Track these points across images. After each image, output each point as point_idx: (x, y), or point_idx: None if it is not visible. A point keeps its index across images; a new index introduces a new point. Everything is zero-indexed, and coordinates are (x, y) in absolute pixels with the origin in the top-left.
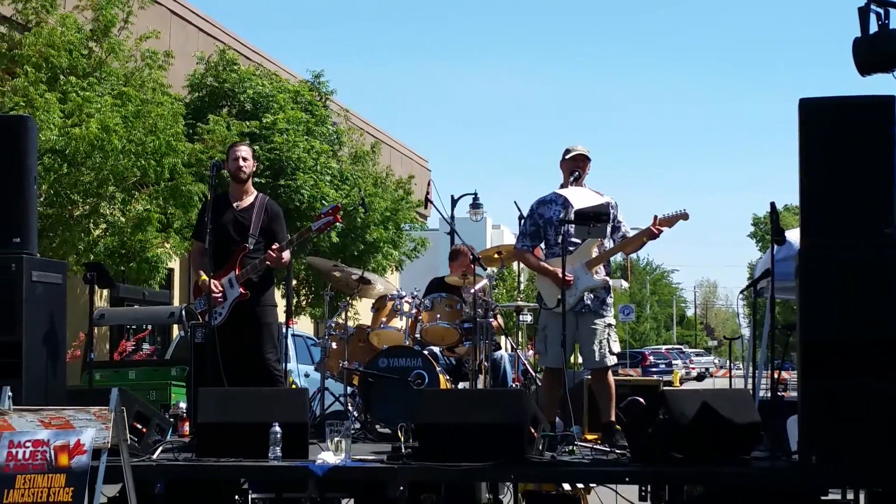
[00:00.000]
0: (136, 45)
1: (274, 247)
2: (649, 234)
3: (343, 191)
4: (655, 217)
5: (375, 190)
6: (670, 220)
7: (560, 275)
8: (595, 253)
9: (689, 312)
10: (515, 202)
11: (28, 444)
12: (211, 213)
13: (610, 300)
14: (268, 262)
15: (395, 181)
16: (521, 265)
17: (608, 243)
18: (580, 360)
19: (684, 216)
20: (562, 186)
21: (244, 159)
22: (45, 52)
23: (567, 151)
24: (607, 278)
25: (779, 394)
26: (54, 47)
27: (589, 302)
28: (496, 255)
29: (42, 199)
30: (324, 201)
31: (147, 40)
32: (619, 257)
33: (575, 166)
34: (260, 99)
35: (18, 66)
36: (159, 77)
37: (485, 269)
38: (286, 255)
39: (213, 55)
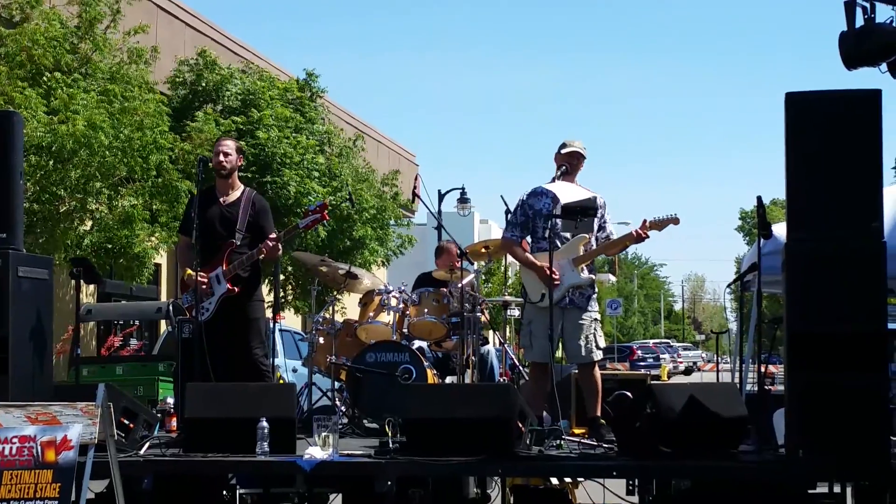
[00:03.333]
0: (124, 40)
1: (272, 236)
2: (636, 238)
3: (331, 187)
4: (644, 221)
5: (360, 185)
6: (660, 224)
7: (546, 269)
8: (582, 250)
9: (677, 306)
10: (502, 196)
11: (15, 439)
12: (197, 209)
13: (595, 297)
14: (264, 252)
15: (382, 176)
16: (509, 259)
17: (592, 240)
18: (566, 355)
19: (675, 220)
20: (553, 180)
21: (225, 154)
22: (28, 50)
23: (563, 145)
24: (593, 276)
25: (766, 387)
26: (38, 45)
27: (573, 297)
28: (483, 250)
29: (28, 195)
30: (310, 197)
31: (135, 35)
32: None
33: (568, 161)
34: (248, 96)
35: (1, 62)
36: (145, 73)
37: (472, 264)
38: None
39: (192, 57)
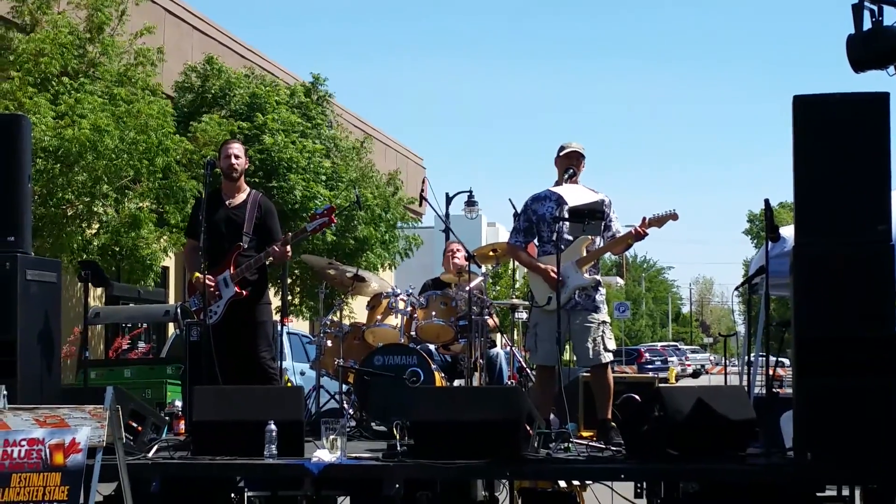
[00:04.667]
0: (131, 41)
1: (279, 242)
2: (636, 236)
3: (337, 190)
4: (644, 218)
5: (365, 185)
6: (659, 221)
7: (550, 272)
8: (585, 252)
9: (685, 309)
10: (510, 199)
11: (23, 442)
12: (204, 211)
13: (601, 297)
14: (272, 257)
15: (387, 175)
16: (517, 262)
17: (598, 241)
18: (574, 358)
19: (674, 216)
20: (556, 184)
21: (236, 157)
22: (37, 58)
23: (562, 148)
24: (597, 277)
25: (774, 390)
26: (47, 52)
27: (580, 299)
28: (491, 253)
29: (35, 198)
30: (316, 201)
31: (141, 37)
32: (615, 256)
33: (569, 163)
34: (254, 101)
35: (12, 68)
36: (151, 75)
37: (479, 267)
38: (287, 248)
39: (199, 63)
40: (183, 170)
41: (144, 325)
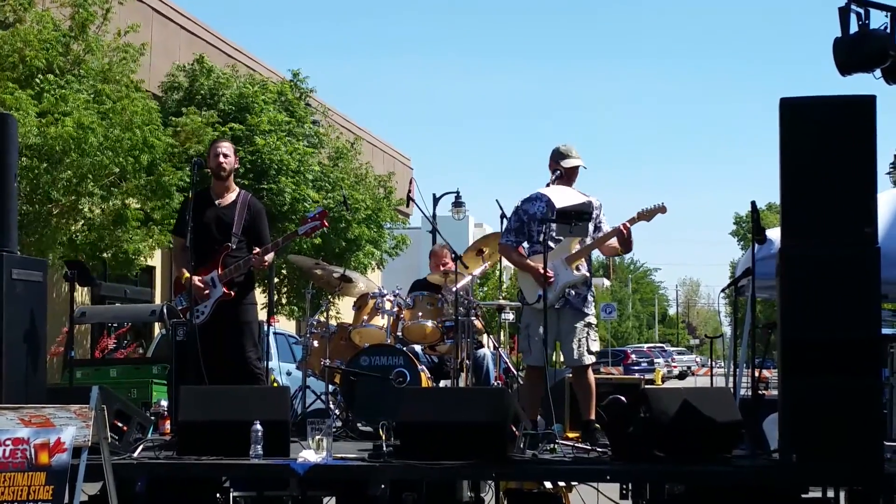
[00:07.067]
0: (115, 39)
1: (257, 250)
2: (618, 232)
3: (325, 191)
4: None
5: (356, 188)
6: (648, 214)
7: (540, 270)
8: (575, 249)
9: (672, 311)
10: (497, 200)
11: (8, 442)
12: (192, 211)
13: (591, 296)
14: (251, 264)
15: (377, 178)
16: (504, 263)
17: (588, 241)
18: (562, 358)
19: (662, 209)
20: (548, 185)
21: (225, 156)
22: (21, 53)
23: (561, 154)
24: (587, 274)
25: (760, 392)
26: (31, 48)
27: (570, 298)
28: (477, 254)
29: (21, 196)
30: (306, 203)
31: (127, 34)
32: (602, 256)
33: (568, 175)
34: (242, 101)
35: None
36: (134, 71)
37: (466, 268)
38: (269, 256)
39: (188, 62)
40: (167, 164)
41: (130, 325)
